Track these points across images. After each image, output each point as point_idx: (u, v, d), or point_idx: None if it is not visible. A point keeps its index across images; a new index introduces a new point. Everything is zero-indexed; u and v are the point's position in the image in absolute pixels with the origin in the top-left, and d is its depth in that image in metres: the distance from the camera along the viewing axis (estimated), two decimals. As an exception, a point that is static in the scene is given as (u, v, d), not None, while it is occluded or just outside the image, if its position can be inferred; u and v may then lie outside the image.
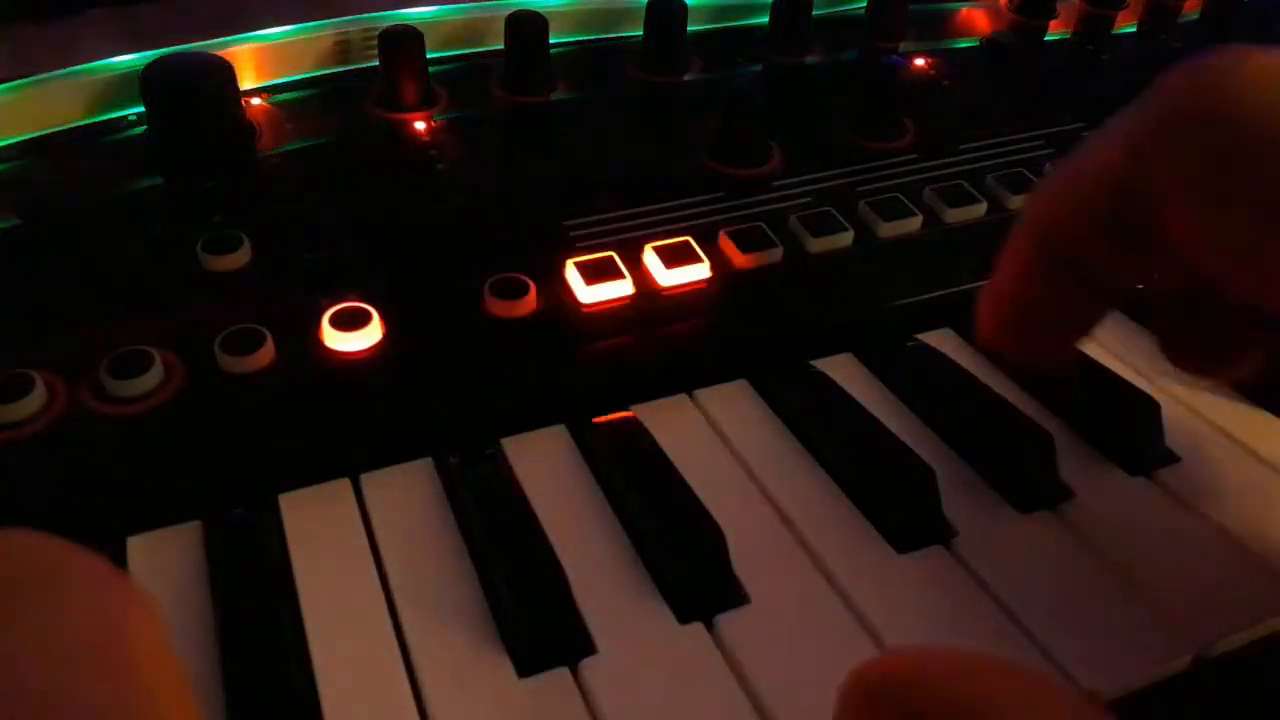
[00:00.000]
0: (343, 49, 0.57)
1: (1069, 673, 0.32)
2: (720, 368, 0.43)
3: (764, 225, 0.47)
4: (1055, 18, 0.67)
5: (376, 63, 0.54)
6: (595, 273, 0.44)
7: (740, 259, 0.46)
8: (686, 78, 0.58)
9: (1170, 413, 0.40)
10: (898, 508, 0.37)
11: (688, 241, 0.45)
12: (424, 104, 0.54)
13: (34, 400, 0.36)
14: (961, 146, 0.54)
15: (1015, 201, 0.50)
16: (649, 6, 0.57)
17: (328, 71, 0.57)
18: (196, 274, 0.43)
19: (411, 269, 0.44)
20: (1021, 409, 0.40)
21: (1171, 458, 0.40)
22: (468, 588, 0.34)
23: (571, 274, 0.44)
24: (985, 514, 0.37)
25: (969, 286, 0.46)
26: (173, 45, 0.51)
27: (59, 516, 0.34)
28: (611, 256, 0.44)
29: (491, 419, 0.40)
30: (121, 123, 0.51)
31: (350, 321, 0.40)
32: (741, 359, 0.43)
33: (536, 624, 0.32)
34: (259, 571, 0.33)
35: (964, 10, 0.68)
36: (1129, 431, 0.40)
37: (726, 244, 0.46)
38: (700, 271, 0.45)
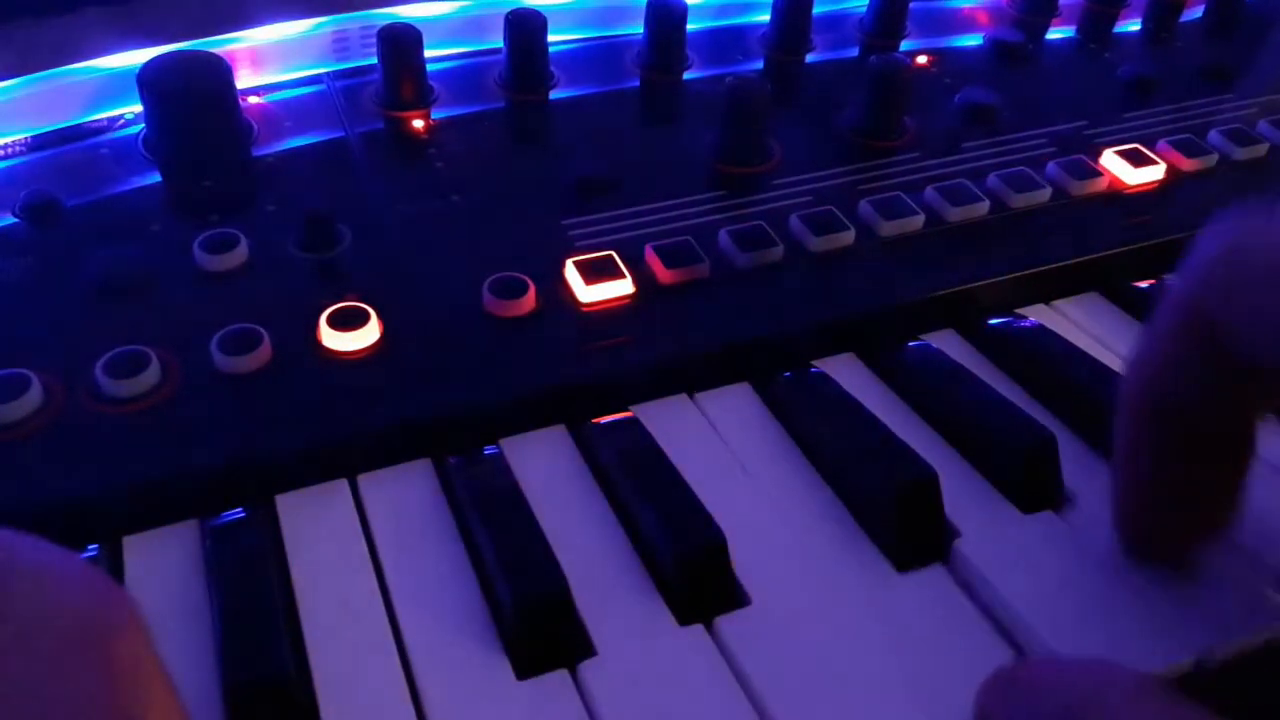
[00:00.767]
0: (341, 46, 0.57)
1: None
2: (720, 367, 0.42)
3: (765, 224, 0.47)
4: (1058, 15, 0.66)
5: (375, 60, 0.54)
6: (595, 272, 0.43)
7: (740, 258, 0.45)
8: (686, 76, 0.58)
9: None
10: (899, 510, 0.36)
11: (688, 240, 0.45)
12: (422, 102, 0.54)
13: (31, 400, 0.36)
14: (963, 145, 0.54)
15: (1017, 200, 0.50)
16: (649, 5, 0.56)
17: (326, 69, 0.57)
18: (193, 273, 0.43)
19: (410, 268, 0.44)
20: (1024, 410, 0.40)
21: (1174, 458, 0.40)
22: (466, 589, 0.34)
23: (571, 273, 0.44)
24: (987, 514, 0.37)
25: (971, 285, 0.46)
26: (170, 44, 0.51)
27: (56, 516, 0.34)
28: (611, 256, 0.44)
29: (491, 419, 0.39)
30: (119, 121, 0.51)
31: (348, 321, 0.40)
32: (742, 359, 0.43)
33: (535, 626, 0.32)
34: (256, 572, 0.33)
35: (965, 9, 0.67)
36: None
37: (726, 243, 0.46)
38: (700, 271, 0.44)
